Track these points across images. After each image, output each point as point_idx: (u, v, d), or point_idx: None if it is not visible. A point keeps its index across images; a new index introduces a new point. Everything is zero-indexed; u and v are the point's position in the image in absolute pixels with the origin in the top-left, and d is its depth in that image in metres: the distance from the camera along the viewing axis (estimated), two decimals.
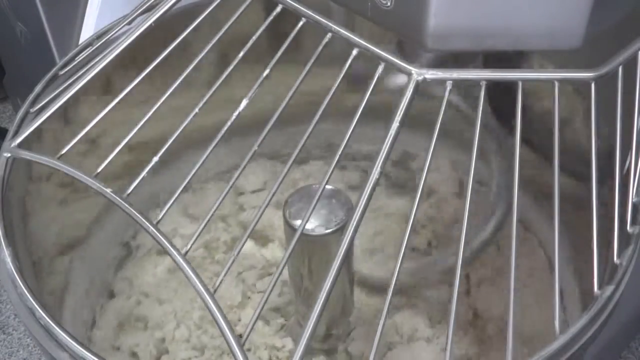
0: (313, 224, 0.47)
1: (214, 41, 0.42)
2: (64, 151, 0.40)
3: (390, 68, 0.38)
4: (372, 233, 0.68)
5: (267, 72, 0.40)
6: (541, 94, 0.52)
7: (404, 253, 0.34)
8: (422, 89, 0.37)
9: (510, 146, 0.41)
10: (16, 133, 0.44)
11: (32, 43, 0.80)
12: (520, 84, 0.38)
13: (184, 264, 0.35)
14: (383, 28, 0.39)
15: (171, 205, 0.36)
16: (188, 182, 0.37)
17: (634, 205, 0.39)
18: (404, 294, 0.63)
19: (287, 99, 0.39)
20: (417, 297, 0.63)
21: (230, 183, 0.37)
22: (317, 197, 0.36)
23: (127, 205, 0.37)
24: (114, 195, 0.37)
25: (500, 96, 0.41)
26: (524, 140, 0.37)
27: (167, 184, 0.53)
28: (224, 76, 0.40)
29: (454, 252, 0.35)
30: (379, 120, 0.37)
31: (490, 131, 0.54)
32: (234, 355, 0.32)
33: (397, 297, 0.62)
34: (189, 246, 0.35)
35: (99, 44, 0.51)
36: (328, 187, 0.47)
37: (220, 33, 0.42)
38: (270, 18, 0.41)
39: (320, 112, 0.38)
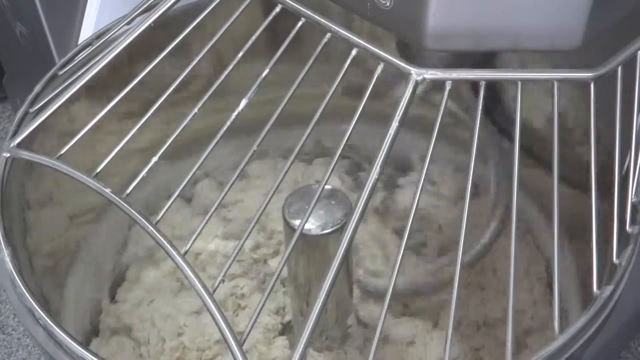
0: (312, 224, 0.47)
1: (213, 41, 0.42)
2: (63, 151, 0.40)
3: (390, 68, 0.38)
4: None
5: (266, 71, 0.40)
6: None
7: (402, 256, 0.34)
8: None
9: (507, 146, 0.41)
10: (15, 133, 0.44)
11: (31, 43, 0.80)
12: (519, 84, 0.38)
13: (184, 265, 0.35)
14: (382, 28, 0.39)
15: (170, 205, 0.36)
16: None
17: (634, 205, 0.39)
18: (404, 298, 0.62)
19: (286, 98, 0.39)
20: (417, 301, 0.63)
21: (231, 182, 0.37)
22: (316, 197, 0.36)
23: (126, 205, 0.37)
24: (113, 196, 0.37)
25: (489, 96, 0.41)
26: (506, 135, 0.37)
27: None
28: (223, 76, 0.40)
29: (453, 257, 0.35)
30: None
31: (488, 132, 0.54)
32: (233, 355, 0.32)
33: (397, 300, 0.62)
34: (188, 246, 0.35)
35: (98, 44, 0.51)
36: (327, 187, 0.47)
37: (220, 33, 0.42)
38: (270, 18, 0.41)
39: (319, 112, 0.38)
